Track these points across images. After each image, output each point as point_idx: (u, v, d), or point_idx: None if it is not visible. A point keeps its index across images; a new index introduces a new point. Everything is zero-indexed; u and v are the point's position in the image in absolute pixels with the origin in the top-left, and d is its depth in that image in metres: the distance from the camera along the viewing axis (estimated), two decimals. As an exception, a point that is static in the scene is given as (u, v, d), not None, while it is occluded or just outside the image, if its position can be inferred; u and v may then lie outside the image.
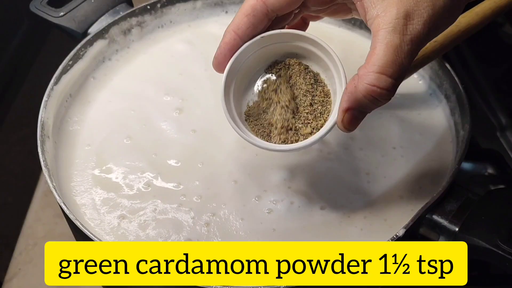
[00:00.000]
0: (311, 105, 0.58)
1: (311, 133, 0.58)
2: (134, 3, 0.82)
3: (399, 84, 0.51)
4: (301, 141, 0.58)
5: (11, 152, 1.04)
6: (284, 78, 0.59)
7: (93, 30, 0.77)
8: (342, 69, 0.56)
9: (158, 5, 0.81)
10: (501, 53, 0.95)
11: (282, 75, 0.59)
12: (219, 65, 0.58)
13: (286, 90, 0.59)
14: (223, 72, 0.58)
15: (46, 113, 0.67)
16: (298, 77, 0.59)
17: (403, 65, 0.50)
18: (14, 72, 1.05)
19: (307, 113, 0.58)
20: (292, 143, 0.58)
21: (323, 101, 0.59)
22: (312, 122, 0.58)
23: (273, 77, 0.60)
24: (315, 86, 0.59)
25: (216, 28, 0.82)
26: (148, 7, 0.80)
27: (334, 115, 0.56)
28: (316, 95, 0.59)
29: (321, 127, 0.58)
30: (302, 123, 0.58)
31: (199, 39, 0.81)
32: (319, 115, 0.58)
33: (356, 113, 0.52)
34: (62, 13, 0.77)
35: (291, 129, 0.58)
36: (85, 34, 0.77)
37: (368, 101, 0.51)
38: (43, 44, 1.12)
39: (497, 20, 0.92)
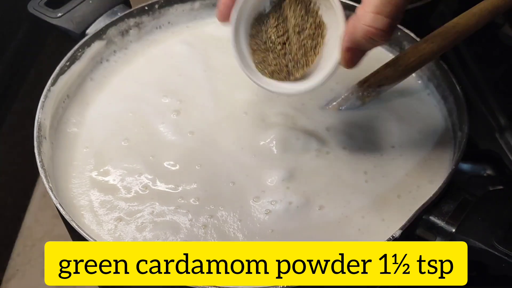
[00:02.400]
0: (300, 41, 0.58)
1: (302, 76, 0.58)
2: (132, 4, 0.82)
3: (395, 24, 0.52)
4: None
5: (11, 153, 1.03)
6: (276, 14, 0.59)
7: (91, 31, 0.77)
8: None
9: (156, 6, 0.80)
10: (500, 54, 0.95)
11: (276, 11, 0.59)
12: (223, 15, 0.59)
13: (279, 28, 0.59)
14: (228, 21, 0.58)
15: (43, 114, 0.66)
16: (288, 11, 0.59)
17: (399, 4, 0.51)
18: (14, 73, 1.04)
19: (296, 53, 0.58)
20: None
21: (313, 34, 0.58)
22: (301, 60, 0.58)
23: (268, 16, 0.60)
24: (306, 17, 0.59)
25: (215, 29, 0.82)
26: (146, 8, 0.80)
27: (332, 53, 0.56)
28: (307, 28, 0.58)
29: (312, 62, 0.57)
30: (293, 66, 0.58)
31: (197, 40, 0.81)
32: (309, 50, 0.58)
33: (356, 51, 0.55)
34: (60, 14, 0.77)
35: (287, 73, 0.59)
36: (83, 35, 0.76)
37: (366, 42, 0.53)
38: (43, 46, 1.12)
39: (497, 21, 0.92)
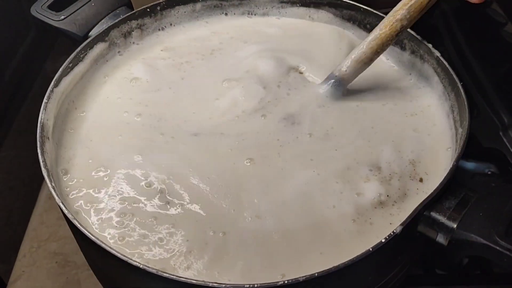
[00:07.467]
0: None
1: None
2: (134, 6, 0.82)
3: None
4: None
5: (19, 157, 1.04)
6: None
7: (93, 33, 0.77)
8: None
9: (158, 8, 0.81)
10: (503, 52, 0.94)
11: None
12: None
13: None
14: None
15: (46, 115, 0.67)
16: None
17: None
18: (22, 77, 1.05)
19: None
20: None
21: None
22: None
23: None
24: None
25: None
26: (148, 10, 0.80)
27: None
28: None
29: None
30: None
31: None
32: None
33: None
34: (62, 17, 0.77)
35: None
36: (85, 37, 0.77)
37: None
38: (51, 49, 1.13)
39: (499, 19, 0.92)
